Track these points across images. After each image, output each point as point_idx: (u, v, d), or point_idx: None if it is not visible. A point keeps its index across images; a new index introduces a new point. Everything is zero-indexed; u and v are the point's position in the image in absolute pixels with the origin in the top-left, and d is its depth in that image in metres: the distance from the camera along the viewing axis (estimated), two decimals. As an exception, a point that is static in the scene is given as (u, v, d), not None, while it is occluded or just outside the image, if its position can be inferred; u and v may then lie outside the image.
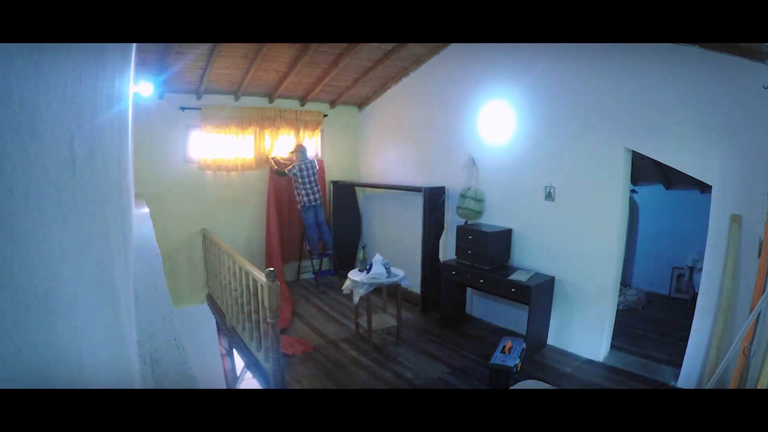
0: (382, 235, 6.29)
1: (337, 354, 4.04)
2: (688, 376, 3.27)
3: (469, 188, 4.76)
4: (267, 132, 5.61)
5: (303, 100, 5.90)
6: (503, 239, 4.37)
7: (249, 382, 3.99)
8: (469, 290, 4.89)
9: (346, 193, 6.43)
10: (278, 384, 3.19)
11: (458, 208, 4.79)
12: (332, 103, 6.24)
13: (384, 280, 4.04)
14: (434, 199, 5.01)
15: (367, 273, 4.06)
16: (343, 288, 4.26)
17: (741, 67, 2.84)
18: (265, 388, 3.45)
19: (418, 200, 5.06)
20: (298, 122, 5.85)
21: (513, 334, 4.19)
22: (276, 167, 5.55)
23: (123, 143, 1.21)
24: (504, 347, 3.50)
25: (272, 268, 3.07)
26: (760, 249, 2.68)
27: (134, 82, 3.65)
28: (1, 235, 0.36)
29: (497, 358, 3.38)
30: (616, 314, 3.95)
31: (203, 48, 4.10)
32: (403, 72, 5.51)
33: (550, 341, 4.18)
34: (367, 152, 6.57)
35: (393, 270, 4.18)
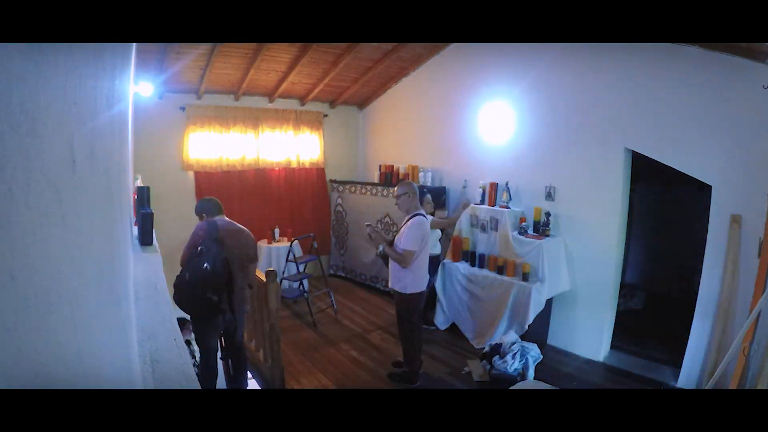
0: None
1: (337, 354, 4.04)
2: (688, 376, 3.27)
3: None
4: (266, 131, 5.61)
5: (303, 100, 5.89)
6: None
7: (249, 382, 3.99)
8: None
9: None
10: (278, 384, 3.19)
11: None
12: (332, 103, 6.23)
13: None
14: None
15: None
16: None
17: (741, 67, 2.84)
18: (265, 388, 3.45)
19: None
20: (298, 122, 5.85)
21: (513, 334, 4.18)
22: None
23: (123, 143, 1.21)
24: None
25: (272, 268, 3.07)
26: (760, 249, 2.68)
27: (134, 82, 3.64)
28: (1, 235, 0.36)
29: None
30: (616, 314, 3.95)
31: (203, 48, 4.10)
32: (403, 72, 5.51)
33: (550, 341, 4.17)
34: (367, 152, 6.57)
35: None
